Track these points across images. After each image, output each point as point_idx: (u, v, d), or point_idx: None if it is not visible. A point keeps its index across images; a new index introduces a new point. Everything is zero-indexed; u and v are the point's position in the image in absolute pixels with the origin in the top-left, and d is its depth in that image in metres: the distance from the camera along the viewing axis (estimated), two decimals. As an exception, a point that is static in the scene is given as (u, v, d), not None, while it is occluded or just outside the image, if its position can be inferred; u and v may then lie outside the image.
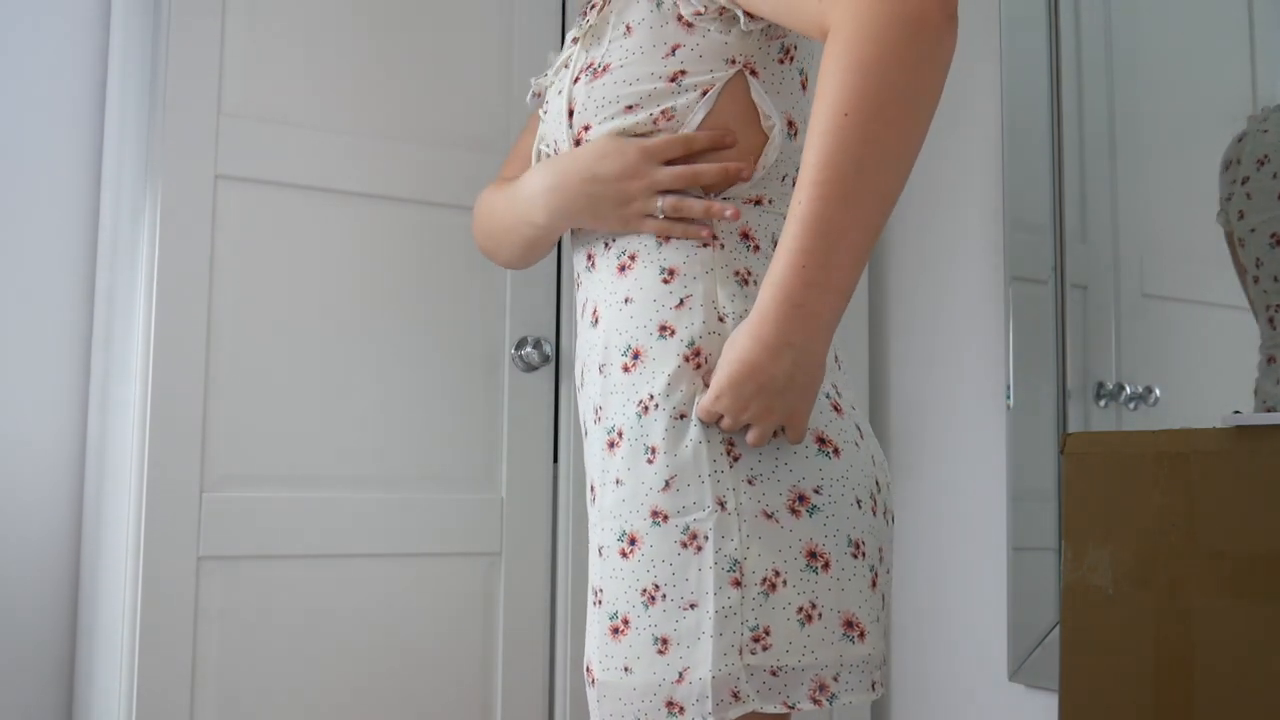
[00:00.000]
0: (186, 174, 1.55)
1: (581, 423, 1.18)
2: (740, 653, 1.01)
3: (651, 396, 1.06)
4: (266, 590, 1.58)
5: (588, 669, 1.09)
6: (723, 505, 1.03)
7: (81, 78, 1.80)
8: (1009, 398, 1.80)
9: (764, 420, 1.02)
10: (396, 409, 1.68)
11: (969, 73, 1.91)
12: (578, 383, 1.19)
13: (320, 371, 1.63)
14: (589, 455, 1.15)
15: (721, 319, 1.07)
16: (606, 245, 1.15)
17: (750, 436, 1.03)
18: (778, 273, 0.99)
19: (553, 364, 1.79)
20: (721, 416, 1.03)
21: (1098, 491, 1.48)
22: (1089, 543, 1.48)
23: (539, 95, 1.27)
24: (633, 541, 1.06)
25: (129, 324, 1.58)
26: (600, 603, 1.08)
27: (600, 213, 1.12)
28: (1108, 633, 1.44)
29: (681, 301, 1.08)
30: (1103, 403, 1.73)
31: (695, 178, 1.09)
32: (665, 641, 1.03)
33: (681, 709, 1.03)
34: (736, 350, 1.01)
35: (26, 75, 1.78)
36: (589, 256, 1.17)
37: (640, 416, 1.07)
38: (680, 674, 1.03)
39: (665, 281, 1.09)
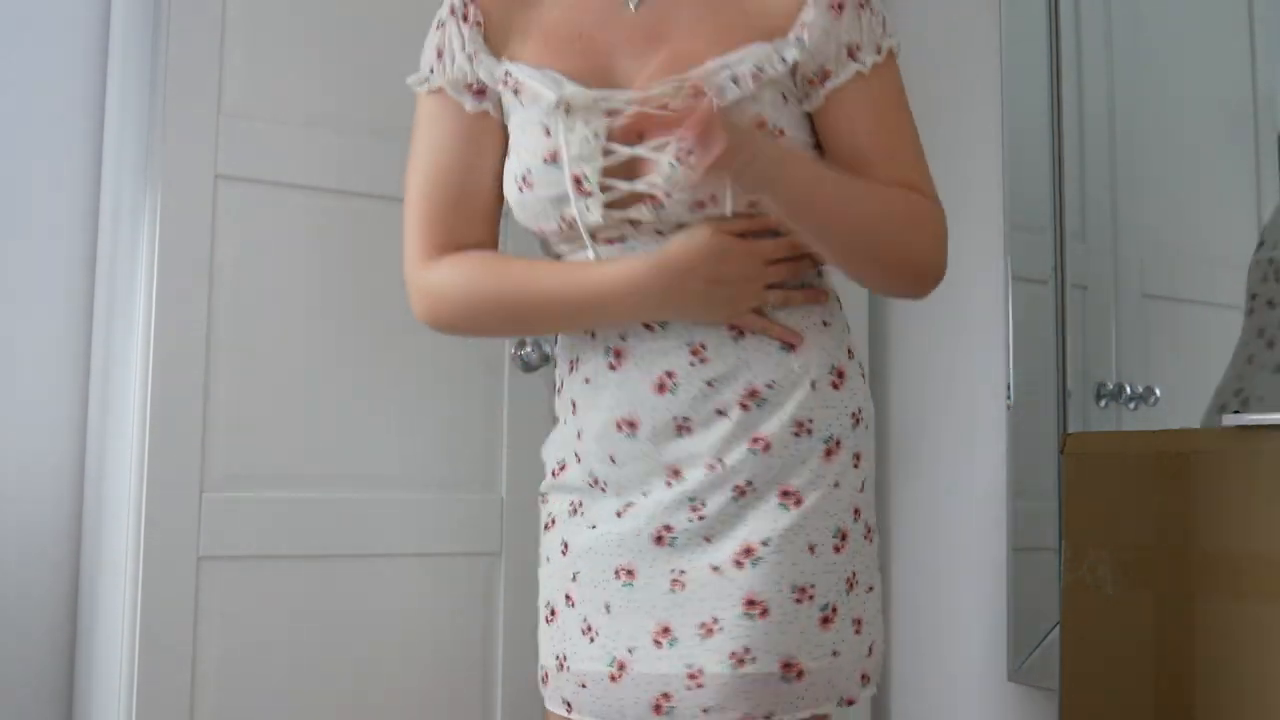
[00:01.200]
0: (186, 174, 1.55)
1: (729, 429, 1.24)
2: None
3: (860, 410, 1.26)
4: (266, 590, 1.58)
5: (788, 665, 1.19)
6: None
7: (81, 77, 1.80)
8: (1009, 398, 1.80)
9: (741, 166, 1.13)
10: (397, 409, 1.68)
11: (969, 73, 1.91)
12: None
13: (320, 371, 1.63)
14: (773, 461, 1.24)
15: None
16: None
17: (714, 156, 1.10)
18: (805, 169, 1.19)
19: (553, 364, 1.79)
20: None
21: (1098, 491, 1.48)
22: (1089, 543, 1.48)
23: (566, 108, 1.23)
24: (844, 537, 1.22)
25: (129, 324, 1.58)
26: (811, 598, 1.21)
27: (714, 310, 1.22)
28: (1108, 633, 1.44)
29: (845, 328, 1.31)
30: (1103, 403, 1.73)
31: (795, 273, 1.24)
32: (859, 622, 1.23)
33: (868, 678, 1.24)
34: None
35: (26, 75, 1.78)
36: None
37: (853, 428, 1.25)
38: (870, 648, 1.24)
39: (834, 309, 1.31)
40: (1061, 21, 1.77)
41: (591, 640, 1.27)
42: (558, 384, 1.34)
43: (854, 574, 1.23)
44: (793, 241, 1.21)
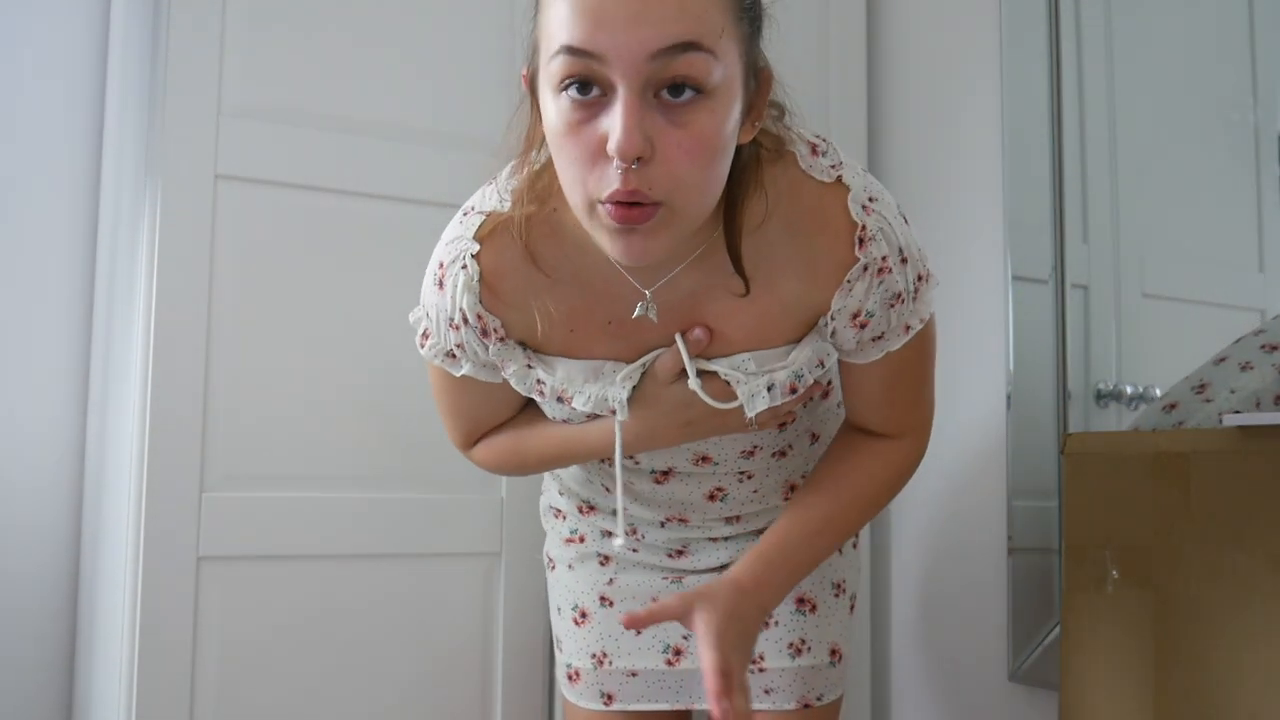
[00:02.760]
0: (186, 174, 1.55)
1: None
2: None
3: None
4: (266, 590, 1.58)
5: (834, 651, 1.38)
6: None
7: (81, 77, 1.80)
8: (1009, 398, 1.80)
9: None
10: (396, 408, 1.67)
11: (969, 73, 1.91)
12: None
13: (320, 371, 1.63)
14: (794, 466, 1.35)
15: None
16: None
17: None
18: (779, 590, 1.22)
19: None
20: None
21: (1098, 491, 1.48)
22: (1089, 543, 1.48)
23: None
24: (855, 541, 1.44)
25: (129, 324, 1.58)
26: (844, 591, 1.40)
27: (698, 437, 1.25)
28: (1108, 633, 1.44)
29: None
30: (1103, 403, 1.73)
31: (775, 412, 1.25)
32: (852, 608, 1.42)
33: (843, 656, 1.41)
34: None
35: (26, 74, 1.78)
36: (780, 424, 1.29)
37: None
38: (851, 633, 1.43)
39: None
40: (1061, 21, 1.77)
41: (637, 633, 1.36)
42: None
43: (858, 567, 1.44)
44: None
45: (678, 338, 1.15)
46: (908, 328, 1.18)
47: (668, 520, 1.35)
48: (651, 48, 0.93)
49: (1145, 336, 1.75)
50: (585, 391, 1.18)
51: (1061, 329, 1.74)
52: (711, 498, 1.32)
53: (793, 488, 1.35)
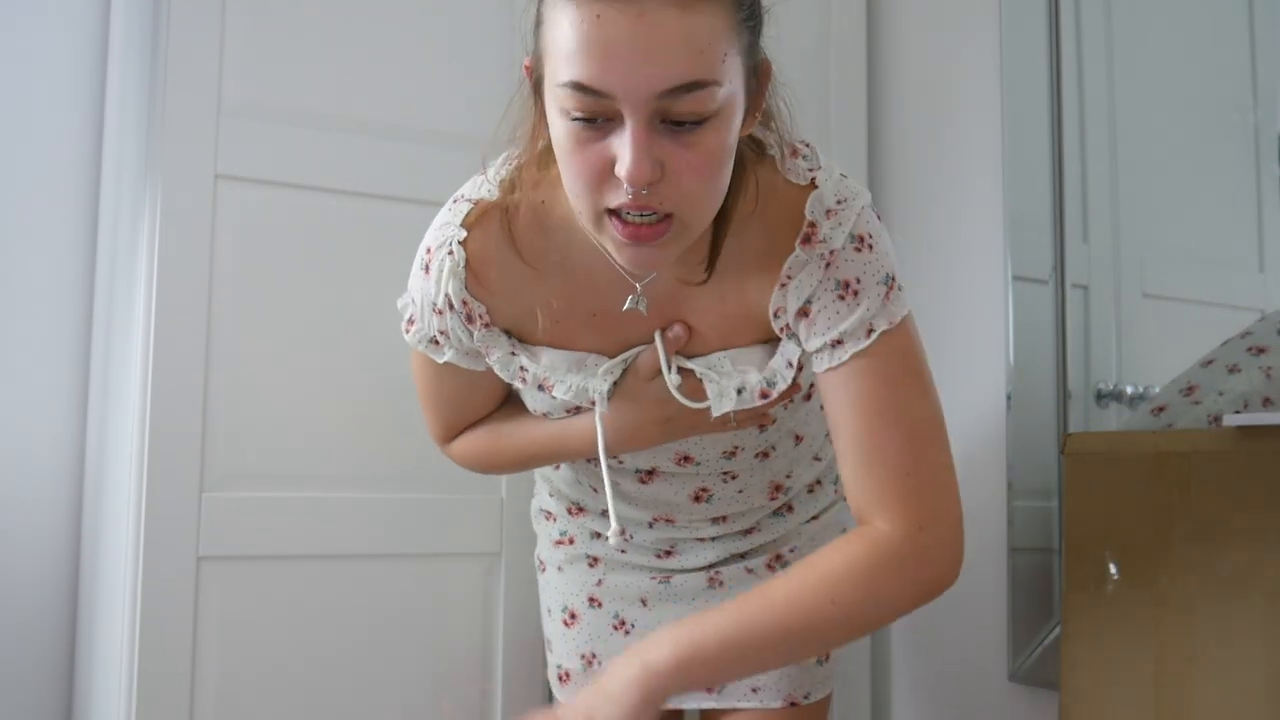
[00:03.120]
0: (186, 174, 1.55)
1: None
2: None
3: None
4: (266, 590, 1.58)
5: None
6: None
7: (81, 77, 1.80)
8: (1009, 398, 1.80)
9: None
10: (397, 409, 1.67)
11: (969, 72, 1.91)
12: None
13: (320, 371, 1.63)
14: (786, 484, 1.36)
15: None
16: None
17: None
18: (704, 643, 1.06)
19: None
20: None
21: (1098, 491, 1.48)
22: (1089, 543, 1.48)
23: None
24: (845, 531, 1.38)
25: (129, 324, 1.58)
26: None
27: (676, 436, 1.25)
28: (1108, 633, 1.44)
29: None
30: (1103, 403, 1.73)
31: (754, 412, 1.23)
32: None
33: (830, 655, 1.39)
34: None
35: (26, 74, 1.78)
36: (761, 426, 1.27)
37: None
38: None
39: None
40: (1061, 21, 1.77)
41: (627, 633, 1.37)
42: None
43: None
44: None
45: (657, 335, 1.16)
46: (870, 330, 1.10)
47: (655, 520, 1.35)
48: (658, 88, 0.94)
49: (1145, 336, 1.75)
50: (567, 381, 1.19)
51: (1061, 329, 1.74)
52: (697, 499, 1.32)
53: (778, 488, 1.35)
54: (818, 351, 1.12)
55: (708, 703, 1.37)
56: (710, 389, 1.16)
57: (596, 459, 1.26)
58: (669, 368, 1.16)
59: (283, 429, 1.60)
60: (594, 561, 1.41)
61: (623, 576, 1.39)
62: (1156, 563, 1.40)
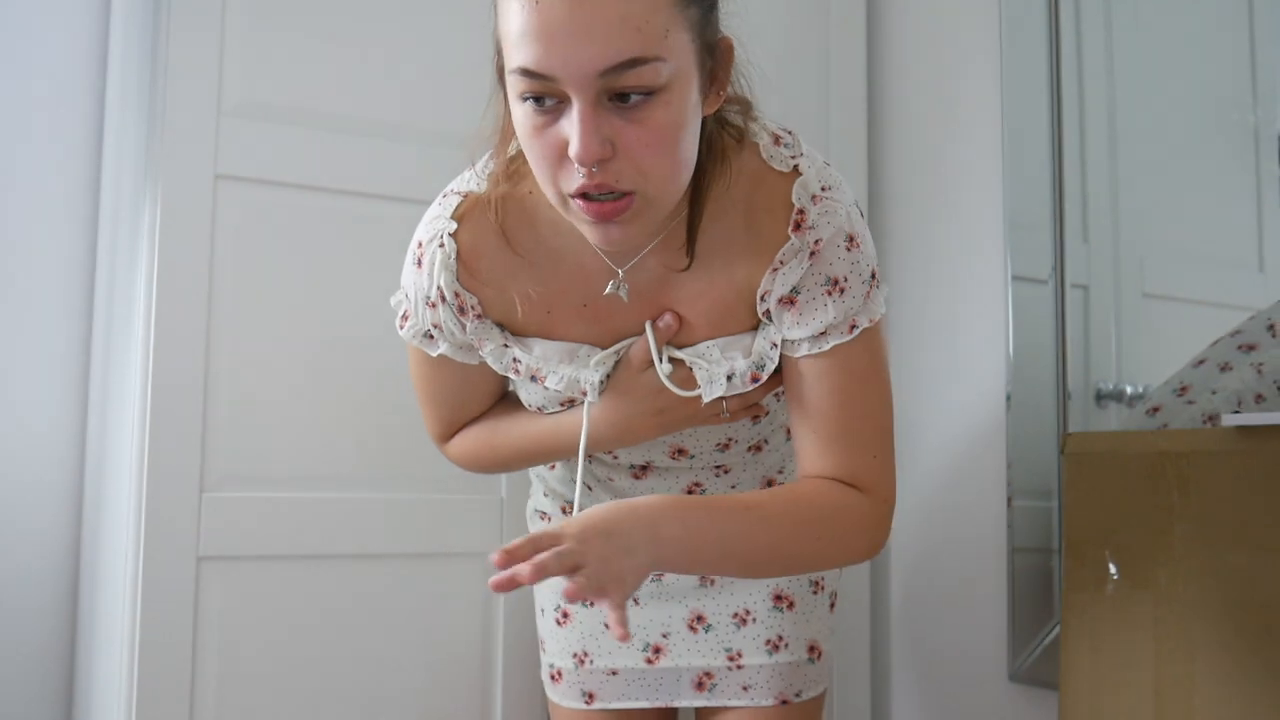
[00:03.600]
0: (186, 174, 1.55)
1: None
2: None
3: None
4: (266, 590, 1.58)
5: (813, 648, 1.37)
6: None
7: (81, 77, 1.80)
8: (1009, 398, 1.80)
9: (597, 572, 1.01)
10: (396, 409, 1.67)
11: (969, 73, 1.91)
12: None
13: (320, 371, 1.63)
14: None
15: None
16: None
17: (573, 586, 0.99)
18: (700, 524, 1.07)
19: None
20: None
21: (1098, 491, 1.48)
22: (1089, 543, 1.48)
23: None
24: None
25: (129, 324, 1.58)
26: (822, 589, 1.38)
27: (671, 430, 1.24)
28: (1108, 633, 1.44)
29: None
30: (1103, 403, 1.73)
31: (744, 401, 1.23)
32: (832, 605, 1.40)
33: (823, 654, 1.39)
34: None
35: (25, 74, 1.77)
36: (755, 418, 1.28)
37: None
38: (831, 628, 1.41)
39: None
40: (1061, 21, 1.77)
41: None
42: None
43: None
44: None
45: (647, 326, 1.18)
46: (853, 325, 1.14)
47: None
48: (599, 67, 0.97)
49: (1145, 336, 1.75)
50: (559, 372, 1.21)
51: (1061, 329, 1.74)
52: (689, 492, 1.33)
53: (770, 483, 1.36)
54: (797, 340, 1.16)
55: (698, 701, 1.38)
56: (700, 375, 1.17)
57: (592, 456, 1.28)
58: (660, 357, 1.18)
59: (283, 429, 1.60)
60: None
61: None
62: (1156, 563, 1.40)
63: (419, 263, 1.21)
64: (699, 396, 1.18)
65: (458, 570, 1.71)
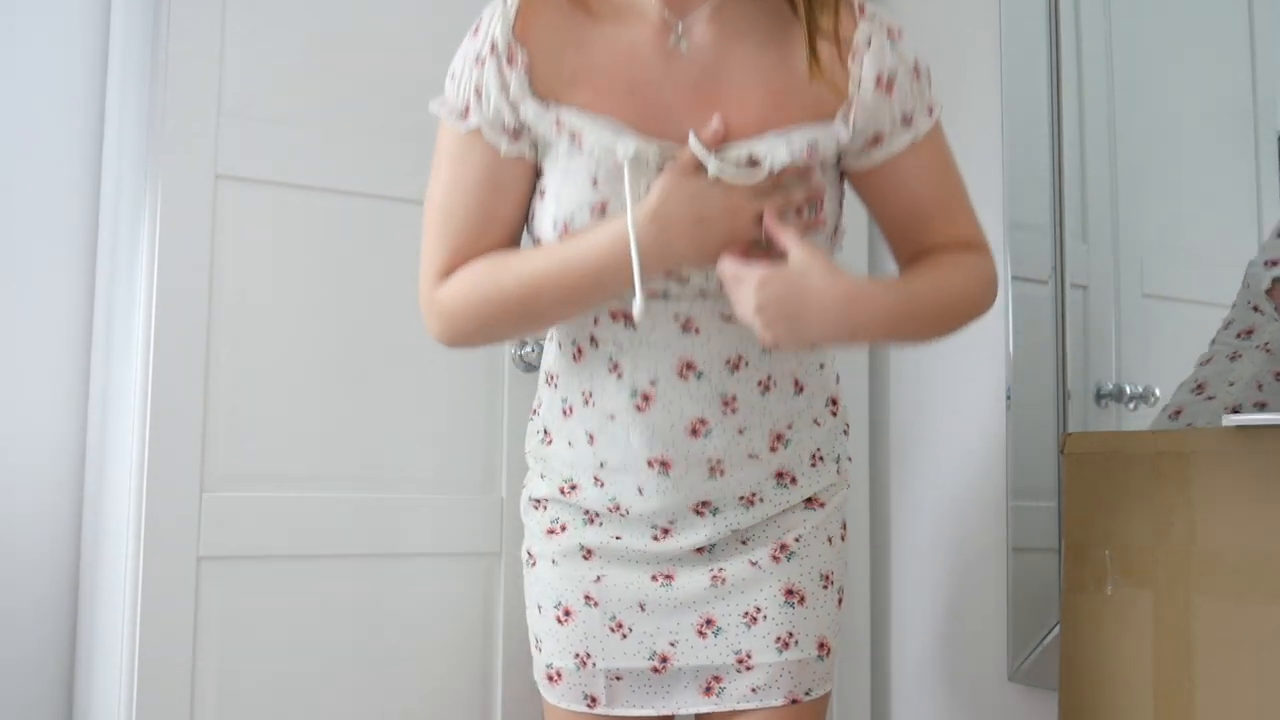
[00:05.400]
0: (186, 174, 1.55)
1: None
2: None
3: (847, 424, 1.42)
4: (266, 590, 1.58)
5: (822, 644, 1.35)
6: None
7: (81, 77, 1.80)
8: (1009, 398, 1.80)
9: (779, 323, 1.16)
10: (396, 408, 1.68)
11: (969, 71, 1.91)
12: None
13: (320, 371, 1.63)
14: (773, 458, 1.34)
15: None
16: None
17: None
18: (881, 296, 1.21)
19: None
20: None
21: (1098, 491, 1.48)
22: (1089, 543, 1.48)
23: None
24: (844, 527, 1.40)
25: (129, 324, 1.58)
26: (831, 584, 1.37)
27: (706, 249, 1.22)
28: (1108, 633, 1.44)
29: (833, 358, 1.41)
30: (1103, 403, 1.73)
31: (784, 202, 1.22)
32: (840, 601, 1.39)
33: (831, 651, 1.37)
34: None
35: (26, 74, 1.78)
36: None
37: (843, 437, 1.41)
38: (839, 625, 1.39)
39: None
40: (1061, 21, 1.77)
41: (624, 637, 1.34)
42: (563, 407, 1.35)
43: (843, 564, 1.40)
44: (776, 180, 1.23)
45: (691, 135, 1.18)
46: (930, 109, 1.27)
47: (651, 462, 1.29)
48: None
49: (1145, 336, 1.75)
50: (599, 138, 1.20)
51: (1061, 329, 1.74)
52: (694, 432, 1.28)
53: (778, 438, 1.32)
54: (888, 135, 1.24)
55: (705, 706, 1.35)
56: (760, 149, 1.19)
57: (619, 373, 1.26)
58: (709, 158, 1.18)
59: (283, 429, 1.60)
60: (589, 554, 1.36)
61: (621, 574, 1.35)
62: (1156, 563, 1.40)
63: (476, 31, 1.24)
64: (747, 191, 1.19)
65: (458, 570, 1.71)
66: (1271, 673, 1.28)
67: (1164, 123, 1.75)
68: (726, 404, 1.28)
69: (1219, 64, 1.69)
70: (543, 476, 1.40)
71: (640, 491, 1.32)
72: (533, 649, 1.41)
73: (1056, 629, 1.64)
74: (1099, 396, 1.74)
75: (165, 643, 1.51)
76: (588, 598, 1.36)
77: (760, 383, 1.29)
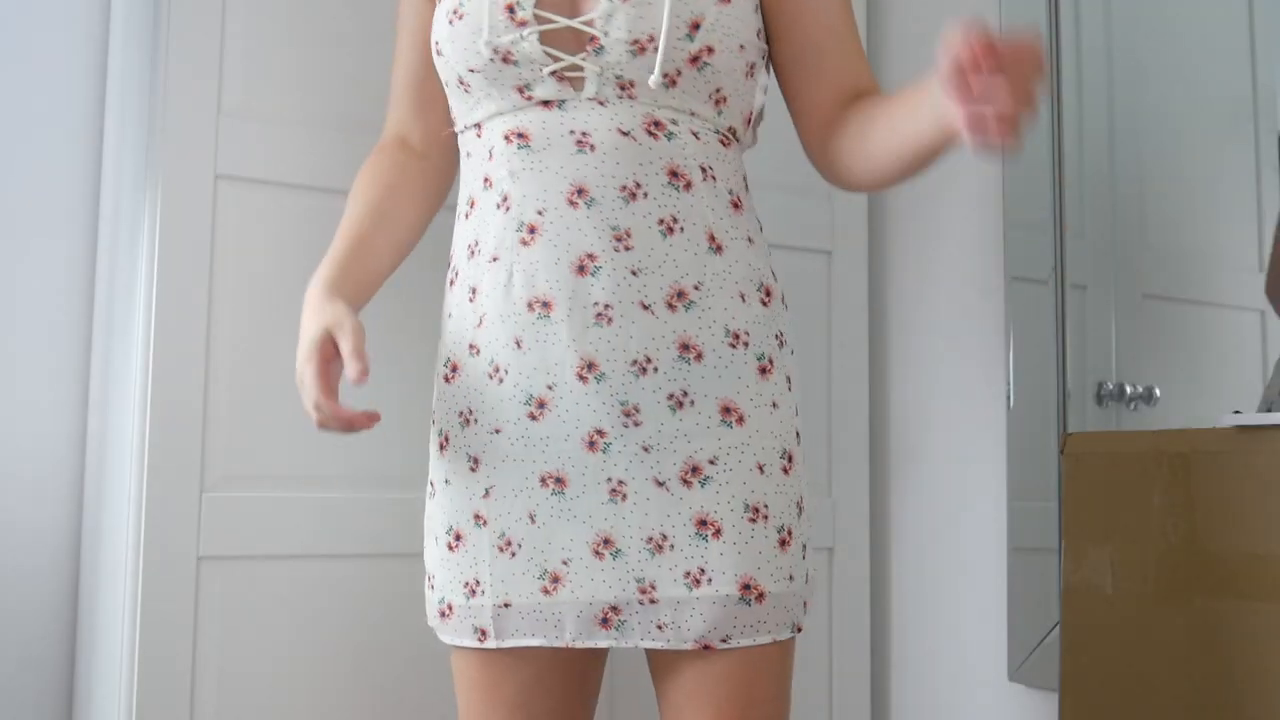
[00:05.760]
0: (186, 174, 1.55)
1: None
2: None
3: (783, 332, 1.25)
4: (266, 590, 1.58)
5: (748, 586, 1.17)
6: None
7: (81, 78, 1.80)
8: (1009, 398, 1.80)
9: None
10: (397, 408, 1.67)
11: (969, 73, 1.91)
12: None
13: (320, 371, 1.63)
14: (717, 376, 1.20)
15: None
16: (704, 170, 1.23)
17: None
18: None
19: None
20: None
21: (1098, 491, 1.48)
22: (1089, 543, 1.48)
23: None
24: (790, 459, 1.22)
25: (129, 324, 1.58)
26: (765, 518, 1.19)
27: None
28: (1108, 633, 1.44)
29: (768, 251, 1.30)
30: (1103, 403, 1.73)
31: None
32: (805, 548, 1.23)
33: (808, 606, 1.23)
34: None
35: (26, 75, 1.78)
36: (672, 173, 1.21)
37: (780, 348, 1.23)
38: (807, 575, 1.23)
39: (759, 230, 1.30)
40: (1061, 21, 1.77)
41: (512, 555, 1.22)
42: (450, 277, 1.31)
43: (801, 498, 1.22)
44: None
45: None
46: None
47: (531, 305, 1.20)
48: None
49: (1145, 336, 1.75)
50: None
51: (1061, 329, 1.74)
52: (581, 269, 1.18)
53: (680, 294, 1.18)
54: None
55: (605, 640, 1.21)
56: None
57: (507, 206, 1.22)
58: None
59: (283, 429, 1.60)
60: (475, 464, 1.25)
61: (509, 479, 1.22)
62: (1157, 563, 1.40)
63: None
64: None
65: (458, 570, 1.71)
66: (1272, 672, 1.28)
67: (1164, 122, 1.75)
68: (619, 239, 1.18)
69: (1219, 64, 1.69)
70: (438, 374, 1.32)
71: (518, 344, 1.20)
72: (426, 589, 1.33)
73: (1056, 629, 1.64)
74: (1099, 396, 1.74)
75: (165, 643, 1.51)
76: (477, 516, 1.25)
77: (662, 221, 1.19)
